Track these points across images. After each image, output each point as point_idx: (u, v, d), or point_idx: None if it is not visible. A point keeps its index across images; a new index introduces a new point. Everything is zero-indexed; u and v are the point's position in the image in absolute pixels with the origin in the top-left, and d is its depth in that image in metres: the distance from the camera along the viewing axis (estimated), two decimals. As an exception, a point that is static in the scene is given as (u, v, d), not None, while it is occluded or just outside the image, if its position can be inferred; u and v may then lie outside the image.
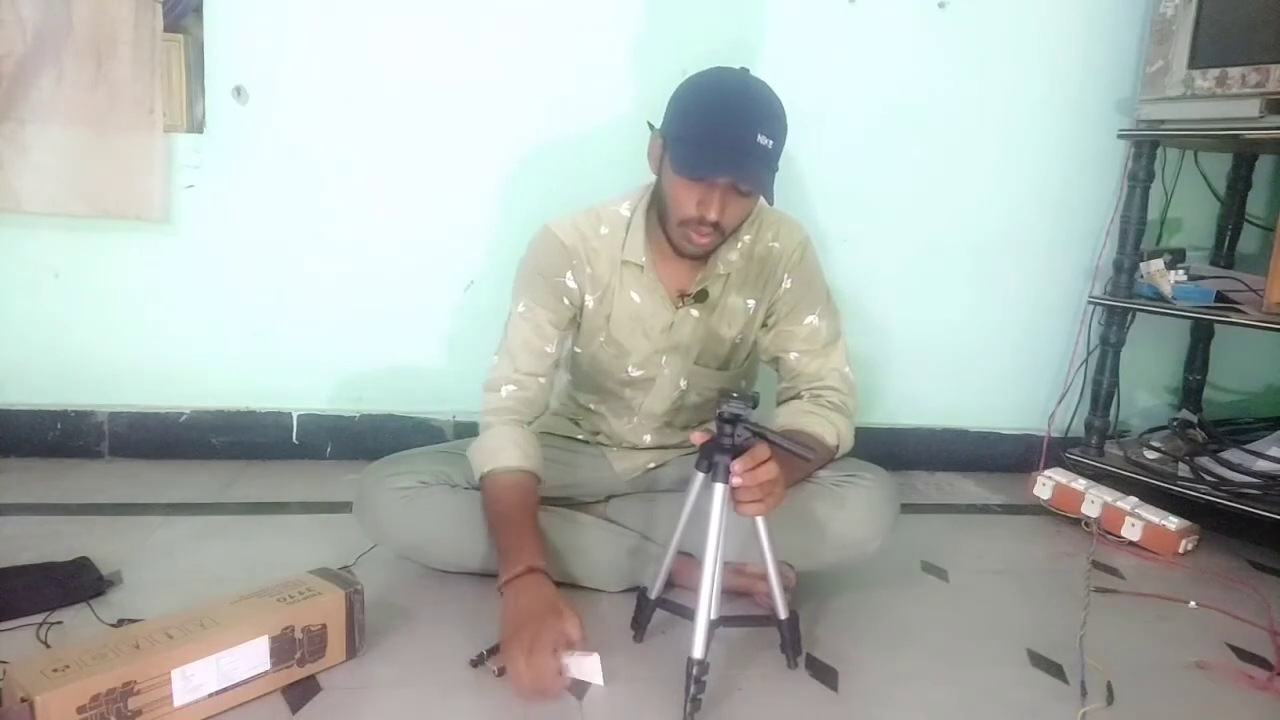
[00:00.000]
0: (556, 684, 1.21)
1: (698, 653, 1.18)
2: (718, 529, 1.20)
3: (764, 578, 1.35)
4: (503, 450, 1.45)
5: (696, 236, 1.39)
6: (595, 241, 1.53)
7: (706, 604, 1.19)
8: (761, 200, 1.57)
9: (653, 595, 1.36)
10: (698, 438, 1.24)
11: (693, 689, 1.18)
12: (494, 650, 1.31)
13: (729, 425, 1.19)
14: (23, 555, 1.53)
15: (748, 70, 1.39)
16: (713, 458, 1.21)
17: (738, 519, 1.24)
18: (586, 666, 1.24)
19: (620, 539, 1.57)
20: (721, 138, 1.31)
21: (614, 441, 1.69)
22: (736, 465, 1.19)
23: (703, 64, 1.40)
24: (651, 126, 1.44)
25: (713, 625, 1.21)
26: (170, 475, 2.03)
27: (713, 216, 1.34)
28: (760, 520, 1.25)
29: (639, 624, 1.38)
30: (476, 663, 1.29)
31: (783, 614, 1.31)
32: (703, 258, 1.46)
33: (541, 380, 1.54)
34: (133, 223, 1.99)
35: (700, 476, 1.24)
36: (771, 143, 1.31)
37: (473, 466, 1.48)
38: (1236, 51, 1.84)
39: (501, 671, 1.27)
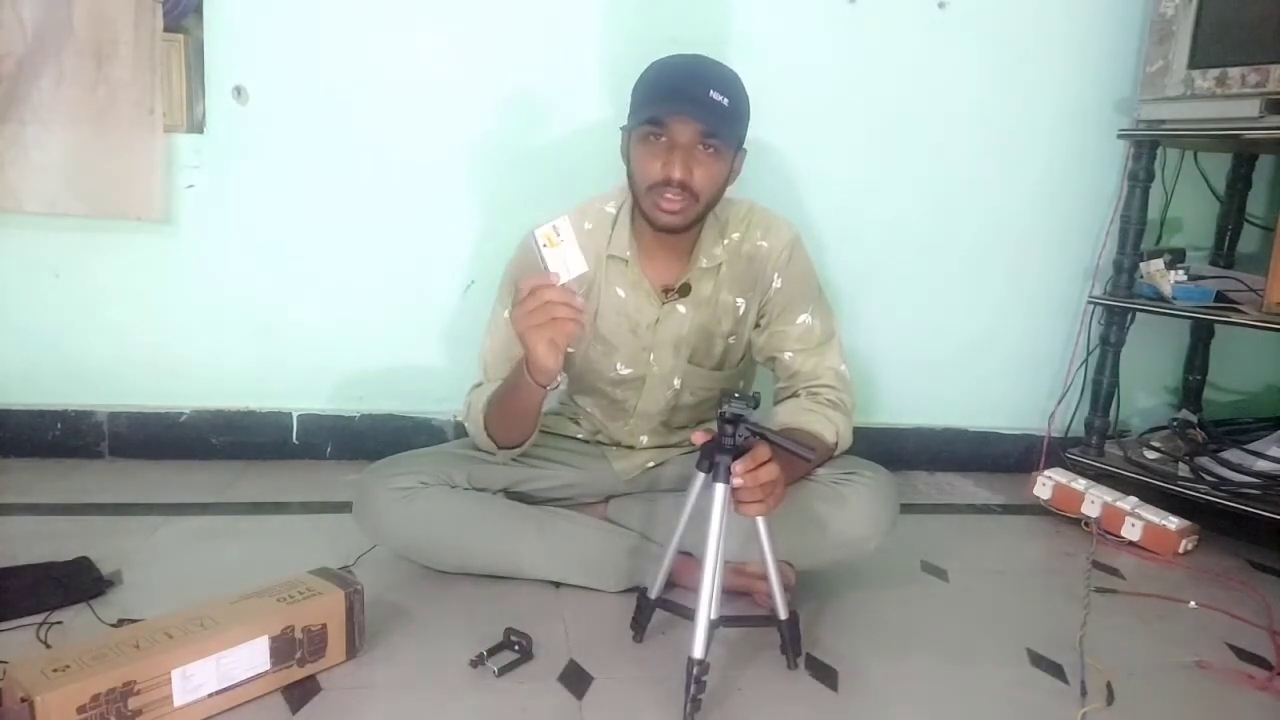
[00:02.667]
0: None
1: (698, 652, 1.18)
2: (718, 529, 1.20)
3: (764, 577, 1.35)
4: (491, 389, 1.49)
5: (665, 202, 1.39)
6: (580, 236, 1.53)
7: (707, 604, 1.19)
8: (752, 200, 1.58)
9: (653, 595, 1.36)
10: (698, 438, 1.24)
11: (693, 689, 1.18)
12: (494, 650, 1.31)
13: (730, 425, 1.19)
14: (23, 555, 1.53)
15: (702, 57, 1.43)
16: (714, 458, 1.20)
17: (738, 519, 1.24)
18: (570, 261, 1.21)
19: (620, 539, 1.57)
20: (675, 87, 1.37)
21: (612, 442, 1.69)
22: (738, 466, 1.19)
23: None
24: (623, 129, 1.47)
25: (713, 625, 1.21)
26: (170, 475, 2.03)
27: (677, 174, 1.35)
28: (761, 520, 1.25)
29: (639, 624, 1.38)
30: (476, 663, 1.29)
31: (783, 614, 1.31)
32: (679, 231, 1.45)
33: None
34: (133, 223, 1.99)
35: (701, 476, 1.24)
36: (727, 101, 1.34)
37: (472, 429, 1.53)
38: (1236, 51, 1.84)
39: (502, 672, 1.27)
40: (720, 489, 1.20)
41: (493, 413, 1.48)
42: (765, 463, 1.21)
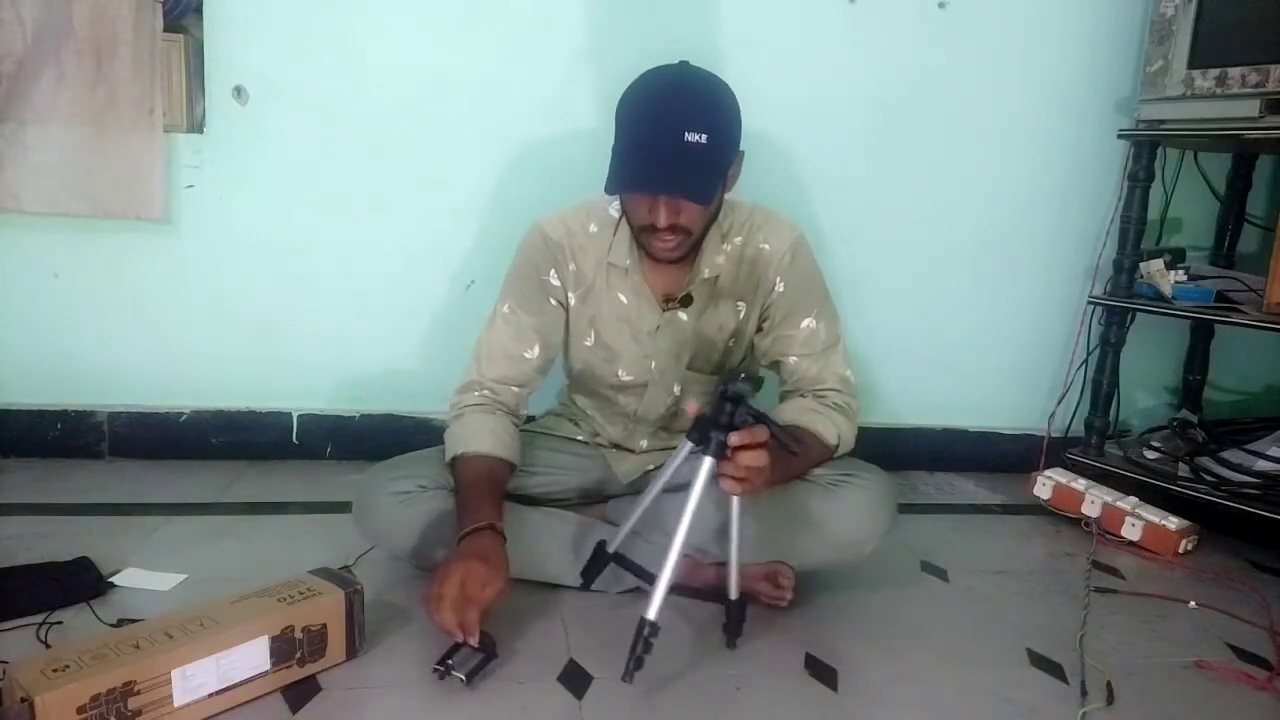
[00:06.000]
0: (457, 635, 1.23)
1: (651, 614, 1.19)
2: (695, 498, 1.21)
3: (764, 578, 1.36)
4: (475, 436, 1.46)
5: (658, 243, 1.39)
6: (583, 238, 1.54)
7: (671, 568, 1.20)
8: (755, 203, 1.57)
9: (611, 549, 1.38)
10: (693, 409, 1.24)
11: (639, 648, 1.19)
12: (449, 654, 1.25)
13: (730, 404, 1.19)
14: (23, 555, 1.53)
15: (686, 63, 1.37)
16: (707, 431, 1.21)
17: (732, 519, 1.24)
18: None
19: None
20: (648, 146, 1.30)
21: (612, 444, 1.69)
22: (734, 438, 1.18)
23: (700, 64, 1.40)
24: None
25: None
26: (170, 475, 2.03)
27: (661, 223, 1.34)
28: (735, 506, 1.25)
29: (590, 574, 1.43)
30: (443, 674, 1.23)
31: (733, 594, 1.33)
32: (679, 261, 1.45)
33: (514, 389, 1.53)
34: (133, 223, 1.99)
35: (688, 446, 1.24)
36: (705, 136, 1.28)
37: (446, 453, 1.49)
38: (1236, 51, 1.84)
39: (470, 677, 1.23)
40: (708, 462, 1.20)
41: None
42: (760, 445, 1.20)
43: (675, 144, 1.28)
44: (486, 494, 1.39)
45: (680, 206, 1.34)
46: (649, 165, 1.30)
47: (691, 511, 1.21)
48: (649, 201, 1.35)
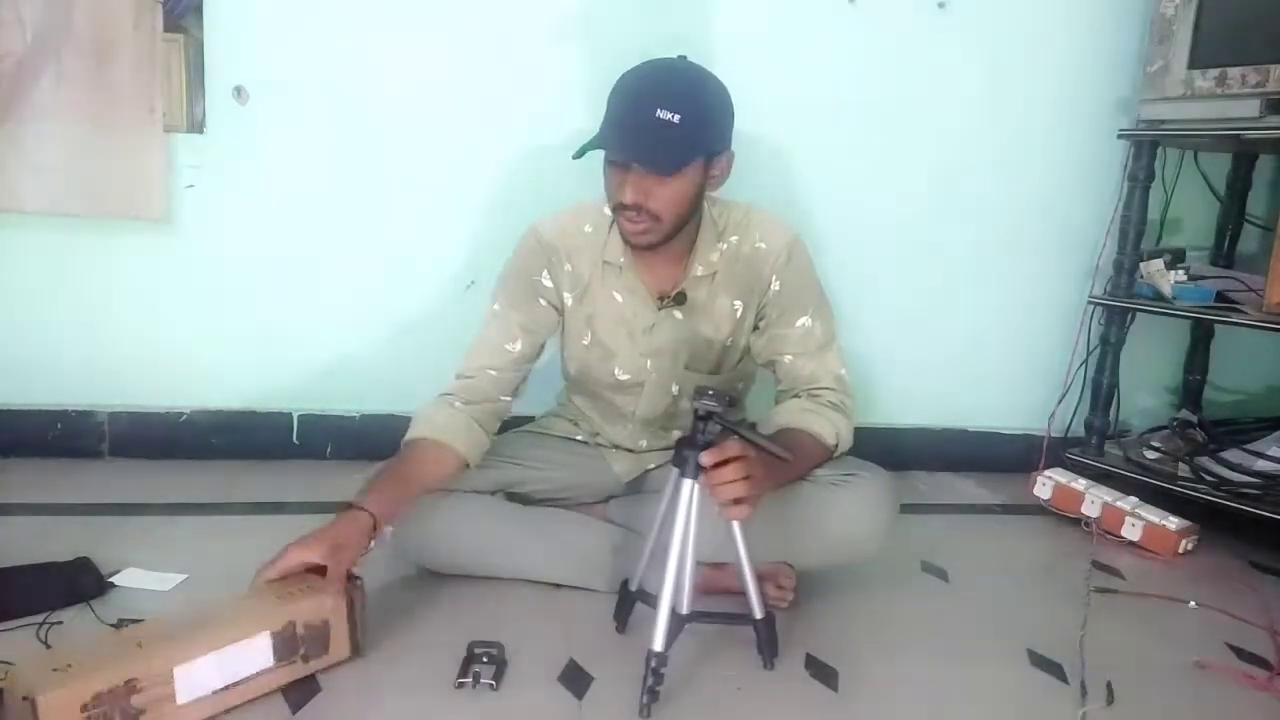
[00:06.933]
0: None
1: (658, 645, 1.18)
2: (684, 524, 1.20)
3: (766, 579, 1.35)
4: (413, 427, 1.48)
5: (627, 224, 1.40)
6: (578, 239, 1.54)
7: (670, 597, 1.20)
8: (751, 202, 1.57)
9: (633, 588, 1.36)
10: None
11: (650, 680, 1.18)
12: (465, 668, 1.28)
13: (702, 422, 1.19)
14: (23, 555, 1.53)
15: (684, 57, 1.40)
16: (683, 452, 1.21)
17: (736, 535, 1.24)
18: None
19: (617, 539, 1.56)
20: (620, 118, 1.36)
21: (612, 444, 1.69)
22: (705, 457, 1.18)
23: (700, 63, 1.41)
24: None
25: (683, 620, 1.22)
26: (170, 475, 2.03)
27: (629, 199, 1.36)
28: (736, 524, 1.24)
29: (621, 616, 1.40)
30: (474, 683, 1.26)
31: (758, 614, 1.31)
32: (653, 248, 1.45)
33: (492, 372, 1.53)
34: (133, 223, 1.99)
35: (675, 472, 1.24)
36: (677, 117, 1.31)
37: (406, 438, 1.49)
38: (1236, 51, 1.84)
39: (496, 681, 1.26)
40: (688, 484, 1.20)
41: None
42: (737, 458, 1.19)
43: (647, 119, 1.32)
44: (387, 473, 1.39)
45: (648, 189, 1.35)
46: (617, 133, 1.35)
47: (680, 540, 1.21)
48: (619, 177, 1.37)
